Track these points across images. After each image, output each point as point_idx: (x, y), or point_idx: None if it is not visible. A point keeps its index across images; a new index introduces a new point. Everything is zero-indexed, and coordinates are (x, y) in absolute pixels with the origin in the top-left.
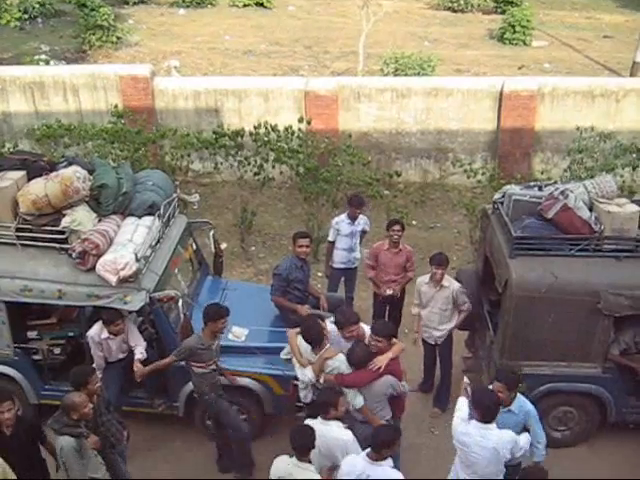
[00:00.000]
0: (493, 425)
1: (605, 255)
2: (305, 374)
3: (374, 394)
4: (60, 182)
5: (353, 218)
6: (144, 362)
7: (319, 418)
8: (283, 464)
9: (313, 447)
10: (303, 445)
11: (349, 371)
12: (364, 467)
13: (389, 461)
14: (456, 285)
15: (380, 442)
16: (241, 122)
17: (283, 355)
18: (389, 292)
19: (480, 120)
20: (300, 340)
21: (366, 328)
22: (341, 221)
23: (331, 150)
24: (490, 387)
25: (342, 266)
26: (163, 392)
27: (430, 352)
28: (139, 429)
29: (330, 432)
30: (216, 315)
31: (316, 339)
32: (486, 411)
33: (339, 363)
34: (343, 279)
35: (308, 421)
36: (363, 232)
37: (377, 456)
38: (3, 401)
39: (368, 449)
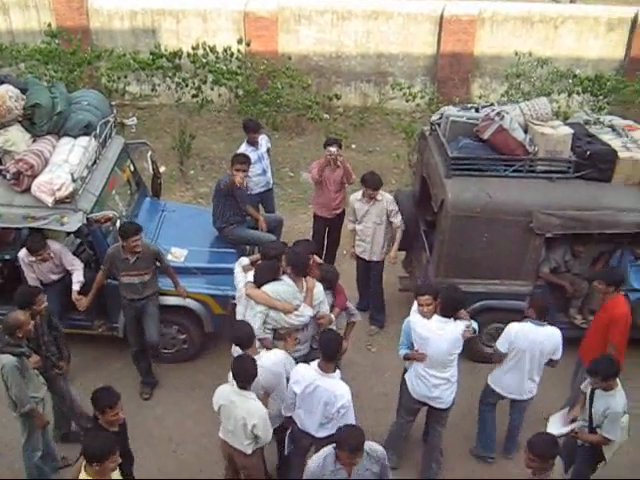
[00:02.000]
0: (451, 319)
1: (538, 176)
2: (304, 314)
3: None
4: None
5: (254, 143)
6: (83, 286)
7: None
8: (225, 391)
9: (254, 377)
10: (244, 375)
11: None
12: (314, 377)
13: (338, 373)
14: (388, 197)
15: (333, 347)
16: (179, 43)
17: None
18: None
19: (420, 44)
20: (271, 288)
21: None
22: (244, 151)
23: (270, 72)
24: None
25: (261, 190)
26: (102, 313)
27: (364, 269)
28: (79, 351)
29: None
30: (126, 233)
31: (304, 268)
32: (448, 305)
33: (320, 288)
34: (260, 204)
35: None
36: (268, 151)
37: (327, 366)
38: (117, 402)
39: (317, 360)
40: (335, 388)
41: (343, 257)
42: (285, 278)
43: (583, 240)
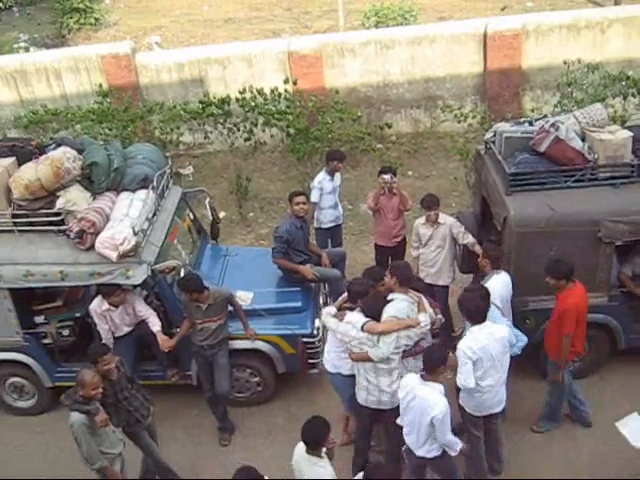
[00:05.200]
0: (488, 322)
1: (601, 183)
2: (427, 321)
3: None
4: (51, 164)
5: (332, 173)
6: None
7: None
8: (297, 450)
9: (322, 443)
10: (312, 439)
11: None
12: (414, 385)
13: (440, 386)
14: (450, 220)
15: (434, 359)
16: (227, 89)
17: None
18: None
19: (466, 64)
20: (394, 310)
21: None
22: (323, 179)
23: (320, 108)
24: None
25: (331, 225)
26: (175, 362)
27: (429, 294)
28: (156, 401)
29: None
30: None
31: (410, 278)
32: (474, 315)
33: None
34: (330, 239)
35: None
36: (339, 186)
37: (429, 377)
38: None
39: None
40: (430, 397)
41: None
42: (396, 295)
43: None
